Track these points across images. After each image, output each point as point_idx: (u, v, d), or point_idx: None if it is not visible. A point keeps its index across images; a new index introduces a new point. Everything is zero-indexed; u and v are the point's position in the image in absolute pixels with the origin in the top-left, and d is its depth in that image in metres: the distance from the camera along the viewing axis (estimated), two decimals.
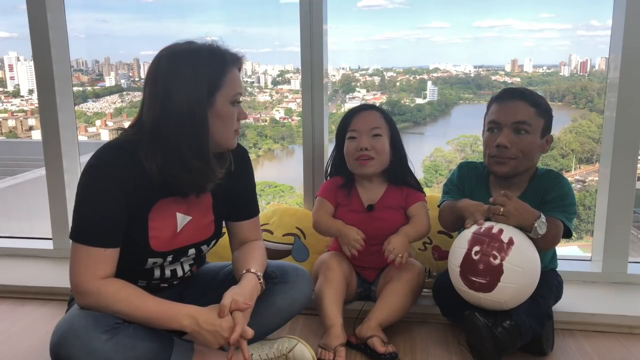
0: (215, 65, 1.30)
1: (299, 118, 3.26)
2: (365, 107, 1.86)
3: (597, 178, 2.35)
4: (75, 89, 2.46)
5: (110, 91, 7.59)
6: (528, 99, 1.65)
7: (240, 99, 1.37)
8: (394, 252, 1.68)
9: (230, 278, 1.49)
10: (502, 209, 1.52)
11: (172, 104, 1.25)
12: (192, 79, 1.27)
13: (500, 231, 1.50)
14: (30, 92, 7.75)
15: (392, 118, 1.87)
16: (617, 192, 2.03)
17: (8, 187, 6.02)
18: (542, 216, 1.53)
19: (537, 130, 1.65)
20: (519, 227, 1.53)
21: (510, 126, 1.64)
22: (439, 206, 1.81)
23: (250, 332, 1.29)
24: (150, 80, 1.29)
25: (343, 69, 7.14)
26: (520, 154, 1.65)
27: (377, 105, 1.94)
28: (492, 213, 1.55)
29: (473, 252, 1.50)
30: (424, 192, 1.88)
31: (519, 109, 1.64)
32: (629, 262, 2.08)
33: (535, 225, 1.51)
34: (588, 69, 6.77)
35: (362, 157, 1.79)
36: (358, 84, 7.10)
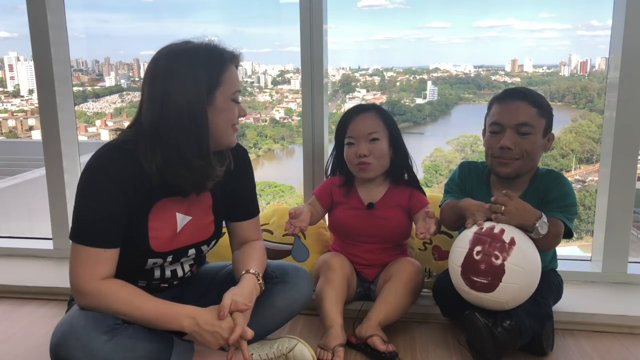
0: (213, 63, 1.31)
1: (299, 118, 3.26)
2: (361, 110, 1.83)
3: (597, 178, 2.35)
4: (75, 89, 2.46)
5: (110, 91, 7.60)
6: (529, 100, 1.65)
7: (240, 97, 1.37)
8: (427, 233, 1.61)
9: (230, 278, 1.49)
10: (503, 208, 1.52)
11: (172, 103, 1.25)
12: (191, 77, 1.27)
13: (502, 231, 1.50)
14: (30, 92, 7.75)
15: (391, 116, 1.85)
16: (617, 192, 2.03)
17: (8, 187, 6.03)
18: (544, 216, 1.53)
19: (539, 131, 1.65)
20: (520, 227, 1.53)
21: (513, 128, 1.64)
22: (440, 206, 1.81)
23: (250, 333, 1.28)
24: (149, 80, 1.29)
25: (343, 69, 7.15)
26: (523, 155, 1.65)
27: (375, 104, 1.91)
28: (493, 212, 1.54)
29: (475, 252, 1.50)
30: (425, 193, 1.88)
31: (521, 110, 1.64)
32: (629, 262, 2.08)
33: (537, 225, 1.51)
34: (588, 69, 6.78)
35: (361, 163, 1.79)
36: (358, 84, 7.11)
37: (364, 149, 1.78)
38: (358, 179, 1.87)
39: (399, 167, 1.85)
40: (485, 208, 1.58)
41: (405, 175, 1.88)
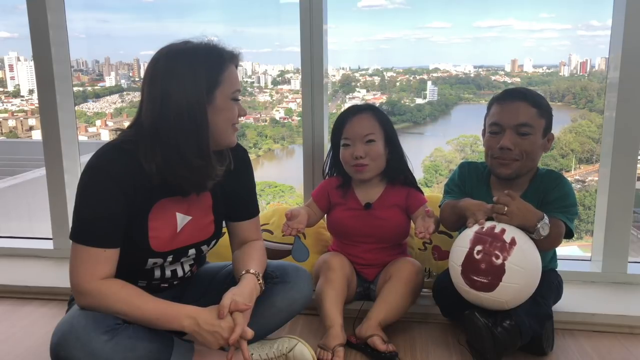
0: (212, 62, 1.31)
1: (299, 118, 3.26)
2: (357, 111, 1.83)
3: (597, 178, 2.35)
4: (75, 89, 2.46)
5: (110, 91, 7.60)
6: (529, 100, 1.65)
7: (239, 96, 1.37)
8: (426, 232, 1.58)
9: (230, 278, 1.49)
10: (505, 209, 1.52)
11: (171, 103, 1.26)
12: (191, 77, 1.27)
13: (503, 231, 1.50)
14: (31, 92, 7.75)
15: (387, 117, 1.84)
16: (617, 192, 2.03)
17: (8, 187, 6.02)
18: (545, 217, 1.53)
19: (539, 131, 1.65)
20: (522, 228, 1.52)
21: (513, 128, 1.63)
22: (440, 206, 1.81)
23: (250, 333, 1.29)
24: (149, 80, 1.29)
25: (343, 69, 7.15)
26: (523, 155, 1.64)
27: (370, 104, 1.90)
28: (495, 213, 1.54)
29: (475, 252, 1.50)
30: (422, 192, 1.88)
31: (521, 110, 1.64)
32: (629, 262, 2.08)
33: (538, 226, 1.51)
34: (588, 69, 6.78)
35: (357, 165, 1.79)
36: (358, 84, 7.11)
37: (359, 150, 1.78)
38: (355, 179, 1.87)
39: (395, 167, 1.84)
40: (486, 207, 1.58)
41: (403, 174, 1.87)
